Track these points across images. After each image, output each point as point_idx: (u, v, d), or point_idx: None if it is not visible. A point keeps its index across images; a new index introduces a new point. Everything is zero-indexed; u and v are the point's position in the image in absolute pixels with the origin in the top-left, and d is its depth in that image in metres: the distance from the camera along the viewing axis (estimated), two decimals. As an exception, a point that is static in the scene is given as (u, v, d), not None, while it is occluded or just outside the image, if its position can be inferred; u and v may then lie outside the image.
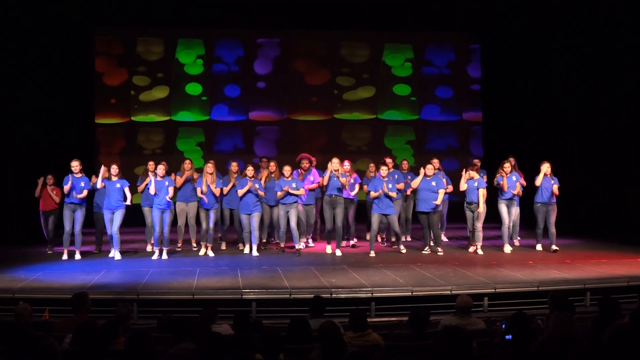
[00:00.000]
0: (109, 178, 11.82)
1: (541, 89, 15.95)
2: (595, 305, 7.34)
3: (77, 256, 11.71)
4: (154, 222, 11.82)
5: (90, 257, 11.96)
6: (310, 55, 18.14)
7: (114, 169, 11.86)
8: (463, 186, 12.16)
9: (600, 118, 14.42)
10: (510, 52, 17.00)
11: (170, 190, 11.69)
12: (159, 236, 11.74)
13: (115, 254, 11.73)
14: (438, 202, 11.98)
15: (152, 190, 11.66)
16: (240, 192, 11.93)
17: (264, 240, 12.89)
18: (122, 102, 17.60)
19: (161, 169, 11.76)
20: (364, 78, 18.21)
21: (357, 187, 12.55)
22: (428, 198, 11.98)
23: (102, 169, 11.94)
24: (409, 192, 13.05)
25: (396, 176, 12.78)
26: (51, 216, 12.56)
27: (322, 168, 13.27)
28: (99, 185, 11.87)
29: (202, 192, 12.00)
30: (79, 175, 11.73)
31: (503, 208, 12.25)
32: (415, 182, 12.16)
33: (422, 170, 12.08)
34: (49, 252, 12.54)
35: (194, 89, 17.81)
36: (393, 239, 12.97)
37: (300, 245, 12.21)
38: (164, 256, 11.71)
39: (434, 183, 11.99)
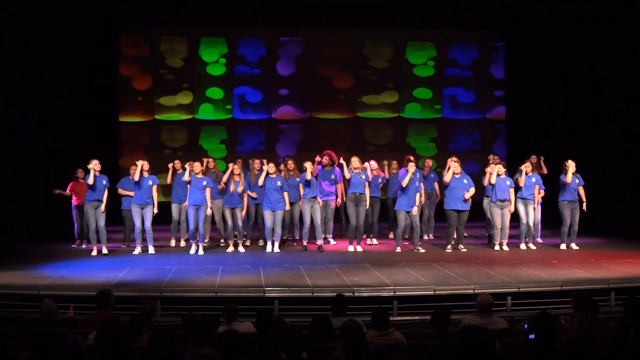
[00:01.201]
0: (140, 174, 11.97)
1: (566, 86, 15.82)
2: (620, 305, 7.28)
3: (105, 251, 11.89)
4: (188, 219, 12.02)
5: (116, 254, 12.04)
6: (333, 54, 18.11)
7: (146, 165, 12.02)
8: (493, 180, 12.04)
9: (626, 117, 14.26)
10: (534, 50, 16.87)
11: (208, 192, 11.86)
12: (194, 232, 11.90)
13: (150, 248, 11.96)
14: (467, 196, 11.95)
15: (185, 177, 11.86)
16: (260, 180, 12.05)
17: (285, 238, 12.92)
18: (146, 102, 17.69)
19: (198, 166, 11.90)
20: (388, 85, 18.13)
21: (377, 183, 12.62)
22: (460, 196, 11.97)
23: (141, 163, 12.15)
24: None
25: (418, 175, 12.73)
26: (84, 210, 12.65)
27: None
28: (136, 177, 12.04)
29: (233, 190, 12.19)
30: (99, 174, 11.86)
31: (520, 207, 12.20)
32: (447, 177, 12.07)
33: (449, 163, 12.02)
34: (79, 247, 12.72)
35: (215, 93, 17.85)
36: (406, 236, 12.97)
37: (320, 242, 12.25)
38: (200, 252, 11.86)
39: (465, 181, 11.96)
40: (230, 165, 12.30)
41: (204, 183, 11.85)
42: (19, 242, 12.99)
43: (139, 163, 12.04)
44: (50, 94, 14.87)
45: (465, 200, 11.99)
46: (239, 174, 12.21)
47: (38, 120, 14.49)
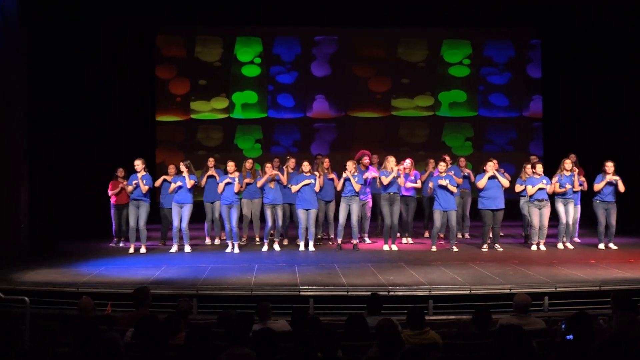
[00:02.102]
0: (179, 174, 12.07)
1: (604, 83, 15.60)
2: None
3: (143, 250, 12.05)
4: (223, 218, 12.14)
5: (153, 252, 12.17)
6: (368, 53, 18.06)
7: (182, 166, 12.13)
8: (483, 182, 11.92)
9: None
10: (572, 46, 16.66)
11: (236, 187, 11.95)
12: (229, 231, 11.98)
13: (186, 247, 12.07)
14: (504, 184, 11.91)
15: (220, 189, 12.00)
16: (294, 188, 12.04)
17: (319, 236, 12.93)
18: (183, 104, 17.85)
19: (231, 165, 12.04)
20: (424, 90, 18.06)
21: (418, 182, 12.58)
22: (496, 196, 11.88)
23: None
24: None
25: (453, 172, 12.68)
26: (124, 210, 12.82)
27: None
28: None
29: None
30: (143, 173, 12.02)
31: (560, 207, 12.06)
32: (482, 182, 11.99)
33: (487, 169, 11.94)
34: (118, 245, 12.89)
35: (250, 97, 17.92)
36: (442, 235, 12.93)
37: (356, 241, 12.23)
38: (236, 250, 11.95)
39: (502, 171, 11.90)
40: (268, 169, 12.30)
41: (236, 180, 11.92)
42: (59, 240, 13.19)
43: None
44: (89, 93, 15.09)
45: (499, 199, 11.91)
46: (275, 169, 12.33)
47: (72, 122, 14.69)
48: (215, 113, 17.85)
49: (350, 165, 12.06)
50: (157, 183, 12.68)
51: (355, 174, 12.04)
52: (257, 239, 13.09)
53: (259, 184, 12.24)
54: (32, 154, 12.35)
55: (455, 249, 11.96)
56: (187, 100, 17.84)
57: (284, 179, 12.37)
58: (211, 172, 12.63)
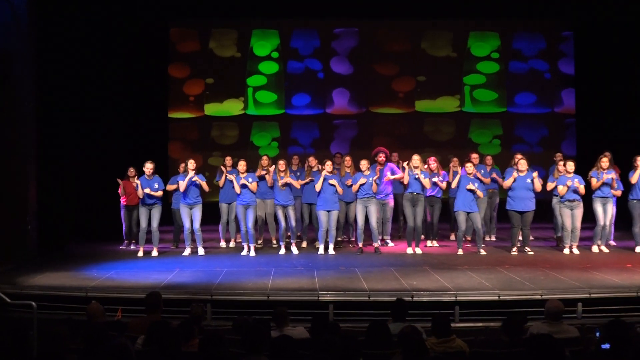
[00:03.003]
0: (186, 173, 12.11)
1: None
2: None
3: (155, 253, 12.12)
4: (238, 219, 12.19)
5: (165, 255, 12.22)
6: (390, 47, 18.02)
7: (192, 163, 12.15)
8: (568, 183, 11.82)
9: None
10: (605, 38, 16.53)
11: (254, 186, 11.98)
12: (245, 233, 12.02)
13: (199, 250, 12.14)
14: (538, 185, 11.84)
15: (236, 191, 12.00)
16: (317, 186, 12.04)
17: (339, 239, 12.93)
18: (196, 102, 17.92)
19: (242, 165, 12.07)
20: (449, 78, 17.99)
21: (444, 183, 12.56)
22: (524, 196, 11.82)
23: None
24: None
25: (481, 171, 12.63)
26: (134, 211, 12.87)
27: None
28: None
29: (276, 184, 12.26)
30: (151, 177, 12.06)
31: (598, 207, 11.95)
32: (509, 182, 11.92)
33: (515, 172, 11.87)
34: (128, 247, 12.98)
35: (266, 92, 17.95)
36: (469, 238, 12.90)
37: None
38: (252, 253, 11.98)
39: (529, 180, 11.79)
40: (281, 163, 12.31)
41: (249, 180, 11.95)
42: (68, 242, 13.28)
43: (190, 163, 12.14)
44: (99, 90, 15.16)
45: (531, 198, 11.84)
46: (284, 170, 12.23)
47: (87, 118, 14.78)
48: (230, 110, 17.89)
49: (416, 160, 12.03)
50: (169, 188, 12.71)
51: (368, 172, 12.01)
52: (274, 242, 13.13)
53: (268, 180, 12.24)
54: (41, 153, 12.45)
55: (482, 252, 11.91)
56: (202, 96, 17.90)
57: (278, 180, 12.27)
58: (229, 176, 12.52)
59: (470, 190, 11.86)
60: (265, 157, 12.68)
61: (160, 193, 12.09)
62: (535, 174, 11.85)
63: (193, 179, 11.98)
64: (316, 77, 18.01)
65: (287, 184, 12.16)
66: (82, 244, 13.38)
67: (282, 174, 12.21)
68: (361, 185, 11.97)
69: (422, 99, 18.00)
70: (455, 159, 13.55)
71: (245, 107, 17.91)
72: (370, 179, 11.96)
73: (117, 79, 15.73)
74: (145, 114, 16.76)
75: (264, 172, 12.30)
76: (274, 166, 12.32)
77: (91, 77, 14.90)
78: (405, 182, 12.09)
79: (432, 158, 12.71)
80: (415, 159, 12.08)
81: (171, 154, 17.54)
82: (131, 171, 12.95)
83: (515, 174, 11.86)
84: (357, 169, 12.32)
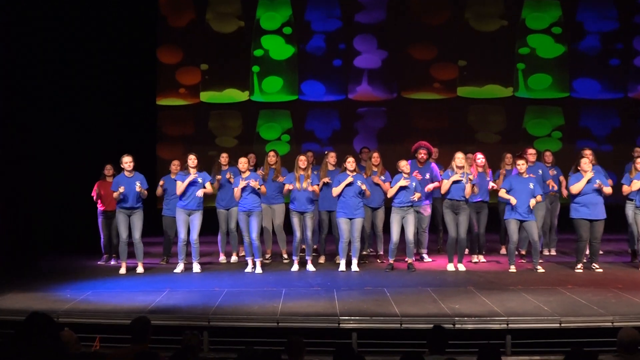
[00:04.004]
0: (185, 171, 12.13)
1: None
2: None
3: (139, 269, 12.10)
4: (241, 227, 12.18)
5: (153, 272, 12.24)
6: (426, 20, 18.02)
7: (192, 159, 12.12)
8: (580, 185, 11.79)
9: None
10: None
11: (263, 189, 12.00)
12: (249, 245, 12.03)
13: (194, 266, 12.12)
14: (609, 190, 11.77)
15: (237, 196, 11.99)
16: (336, 190, 12.01)
17: (364, 253, 12.92)
18: (191, 90, 18.02)
19: (243, 162, 11.99)
20: (498, 56, 17.96)
21: (494, 185, 12.57)
22: (596, 202, 11.79)
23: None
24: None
25: (540, 171, 12.57)
26: (113, 218, 12.83)
27: (443, 161, 13.22)
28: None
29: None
30: (131, 174, 12.05)
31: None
32: (578, 186, 11.83)
33: (583, 167, 11.79)
34: (108, 263, 13.03)
35: (276, 76, 18.01)
36: (523, 252, 12.84)
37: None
38: (258, 269, 11.98)
39: (598, 182, 11.74)
40: (301, 160, 12.26)
41: (252, 181, 11.87)
42: (37, 256, 13.36)
43: (190, 160, 12.12)
44: (73, 73, 15.25)
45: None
46: (304, 168, 12.20)
47: (59, 110, 14.87)
48: (231, 95, 17.91)
49: (460, 159, 11.99)
50: (159, 192, 12.69)
51: (406, 175, 11.97)
52: (285, 256, 13.14)
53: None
54: (5, 153, 12.48)
55: (540, 269, 11.88)
56: (197, 79, 17.96)
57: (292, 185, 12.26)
58: (229, 176, 12.58)
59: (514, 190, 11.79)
60: (272, 154, 12.69)
61: (145, 193, 12.11)
62: (598, 182, 11.77)
63: (194, 180, 11.98)
64: (336, 55, 18.02)
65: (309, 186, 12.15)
66: (53, 258, 13.44)
67: (301, 172, 12.16)
68: (401, 189, 11.92)
69: (465, 84, 17.96)
70: (508, 155, 13.39)
71: (251, 92, 17.94)
72: (413, 183, 11.94)
73: (95, 61, 15.77)
74: (129, 102, 16.80)
75: (283, 181, 12.32)
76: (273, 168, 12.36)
77: (62, 59, 14.96)
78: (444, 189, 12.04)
79: (479, 154, 12.69)
80: (460, 157, 12.02)
81: (160, 150, 17.59)
82: (108, 169, 12.97)
83: (588, 175, 11.74)
84: (388, 168, 12.31)
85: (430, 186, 12.62)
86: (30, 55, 14.16)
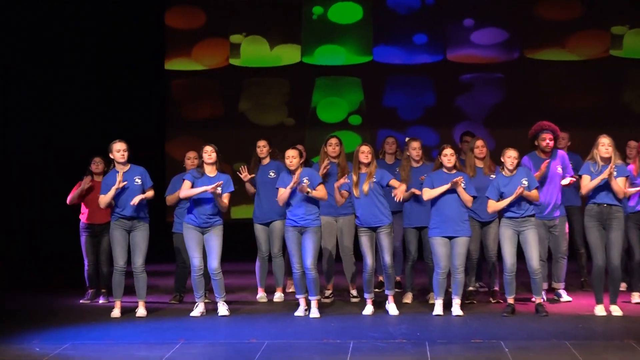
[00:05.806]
0: (200, 169, 12.03)
1: None
2: None
3: (141, 311, 12.10)
4: (289, 251, 12.08)
5: (160, 315, 12.30)
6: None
7: (210, 152, 11.96)
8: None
9: None
10: None
11: (322, 193, 11.86)
12: (301, 277, 11.95)
13: (219, 307, 12.05)
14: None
15: (282, 199, 11.88)
16: (429, 194, 11.89)
17: (470, 288, 12.90)
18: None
19: (292, 156, 11.84)
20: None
21: None
22: None
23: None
24: None
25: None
26: (103, 236, 12.87)
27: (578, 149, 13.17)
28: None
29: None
30: (126, 167, 11.94)
31: None
32: None
33: None
34: (93, 300, 13.21)
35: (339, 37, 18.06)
36: None
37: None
38: (314, 313, 11.93)
39: None
40: (363, 152, 12.10)
41: (305, 181, 11.68)
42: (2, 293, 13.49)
43: (206, 154, 11.98)
44: (51, 51, 15.73)
45: None
46: (367, 164, 12.00)
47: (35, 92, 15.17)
48: (273, 57, 17.94)
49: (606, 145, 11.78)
50: (170, 200, 12.61)
51: (512, 173, 11.78)
52: (353, 292, 13.13)
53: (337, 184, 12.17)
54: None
55: None
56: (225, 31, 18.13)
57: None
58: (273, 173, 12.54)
59: None
60: (334, 141, 12.65)
61: (150, 193, 12.00)
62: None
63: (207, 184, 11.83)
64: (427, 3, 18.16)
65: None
66: (20, 295, 13.57)
67: (364, 170, 12.00)
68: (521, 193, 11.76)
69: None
70: (631, 142, 13.48)
71: (305, 51, 17.97)
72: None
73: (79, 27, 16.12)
74: (128, 69, 17.10)
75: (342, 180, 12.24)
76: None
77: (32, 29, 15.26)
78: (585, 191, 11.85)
79: (632, 142, 12.87)
80: (606, 143, 11.80)
81: (169, 138, 17.66)
82: (97, 163, 13.02)
83: None
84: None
85: (566, 181, 12.44)
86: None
